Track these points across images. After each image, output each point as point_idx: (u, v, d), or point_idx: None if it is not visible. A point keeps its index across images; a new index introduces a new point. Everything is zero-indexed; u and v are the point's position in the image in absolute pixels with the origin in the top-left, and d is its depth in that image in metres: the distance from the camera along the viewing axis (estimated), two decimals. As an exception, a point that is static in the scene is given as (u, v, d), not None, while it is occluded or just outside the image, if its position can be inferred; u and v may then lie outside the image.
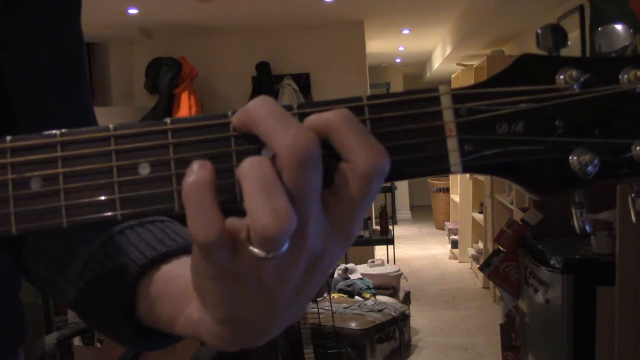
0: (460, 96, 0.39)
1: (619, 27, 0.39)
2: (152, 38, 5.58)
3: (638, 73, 0.38)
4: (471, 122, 0.38)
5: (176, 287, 0.48)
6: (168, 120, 0.38)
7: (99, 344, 3.16)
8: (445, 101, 0.39)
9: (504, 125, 0.38)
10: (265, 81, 5.49)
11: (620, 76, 0.39)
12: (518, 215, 3.60)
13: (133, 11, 4.74)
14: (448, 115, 0.39)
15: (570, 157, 0.38)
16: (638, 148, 0.38)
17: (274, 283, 0.38)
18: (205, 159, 0.37)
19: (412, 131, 0.38)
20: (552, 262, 2.72)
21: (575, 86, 0.39)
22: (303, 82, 5.62)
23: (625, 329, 2.25)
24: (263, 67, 5.54)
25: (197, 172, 0.36)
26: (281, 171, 0.35)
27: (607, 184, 0.39)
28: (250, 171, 0.35)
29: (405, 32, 6.30)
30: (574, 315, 2.57)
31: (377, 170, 0.36)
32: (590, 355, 2.46)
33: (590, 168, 0.38)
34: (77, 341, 3.02)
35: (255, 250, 0.35)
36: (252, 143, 0.38)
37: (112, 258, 0.53)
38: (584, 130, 0.38)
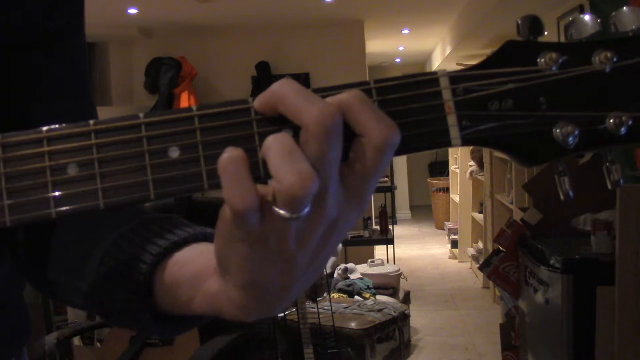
0: (456, 78, 0.43)
1: (587, 17, 0.44)
2: (152, 38, 5.59)
3: (608, 55, 0.43)
4: (467, 101, 0.43)
5: (191, 270, 0.51)
6: (194, 107, 0.42)
7: (99, 344, 3.16)
8: (444, 82, 0.43)
9: (496, 102, 0.43)
10: (265, 81, 5.50)
11: (592, 58, 0.43)
12: (518, 215, 3.60)
13: (133, 11, 4.74)
14: (447, 95, 0.43)
15: (554, 130, 0.43)
16: (611, 120, 0.42)
17: (294, 246, 0.42)
18: (230, 141, 0.41)
19: (416, 110, 0.43)
20: (552, 262, 2.72)
21: (554, 67, 0.43)
22: (303, 82, 5.62)
23: (625, 329, 2.25)
24: (263, 67, 5.55)
25: (232, 151, 0.40)
26: (307, 143, 0.39)
27: (586, 153, 0.43)
28: (276, 144, 0.39)
29: (405, 32, 6.31)
30: (574, 315, 2.57)
31: (390, 143, 0.40)
32: (590, 355, 2.46)
33: (571, 139, 0.43)
34: (77, 341, 3.02)
35: (281, 211, 0.39)
36: (274, 125, 0.41)
37: (126, 252, 0.56)
38: (564, 106, 0.43)
